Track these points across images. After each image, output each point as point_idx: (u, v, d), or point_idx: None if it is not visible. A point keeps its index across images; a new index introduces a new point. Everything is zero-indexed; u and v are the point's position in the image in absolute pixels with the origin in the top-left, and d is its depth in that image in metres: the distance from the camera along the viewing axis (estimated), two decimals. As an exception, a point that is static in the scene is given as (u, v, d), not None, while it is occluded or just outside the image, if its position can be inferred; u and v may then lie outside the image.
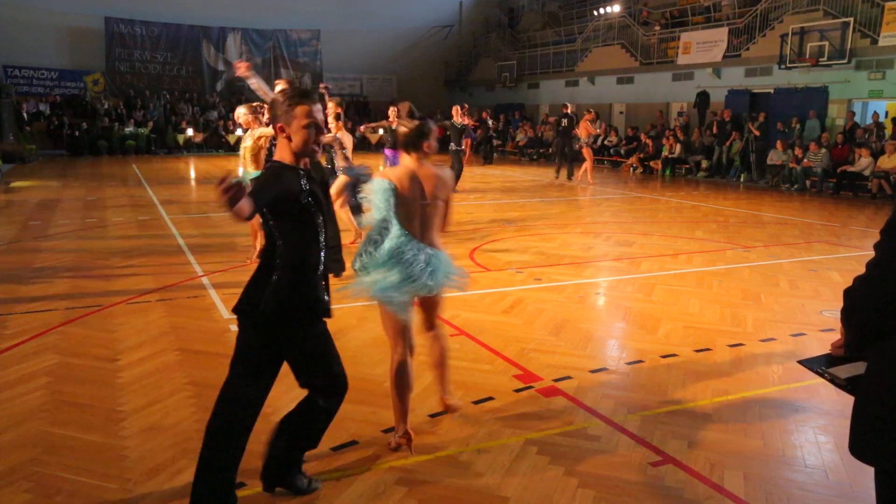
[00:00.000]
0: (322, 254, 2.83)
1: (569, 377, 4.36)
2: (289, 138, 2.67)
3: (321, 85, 6.51)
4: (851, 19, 15.63)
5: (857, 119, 16.08)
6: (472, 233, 9.51)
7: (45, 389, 4.10)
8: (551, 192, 14.96)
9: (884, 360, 1.68)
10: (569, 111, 17.27)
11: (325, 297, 2.93)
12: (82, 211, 11.33)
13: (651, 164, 19.59)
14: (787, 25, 17.05)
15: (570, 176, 17.03)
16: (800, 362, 2.05)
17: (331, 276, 3.18)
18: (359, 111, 30.10)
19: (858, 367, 1.80)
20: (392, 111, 15.14)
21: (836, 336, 1.95)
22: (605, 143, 21.48)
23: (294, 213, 2.69)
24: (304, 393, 3.04)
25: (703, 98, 19.87)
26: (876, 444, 1.68)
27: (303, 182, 2.71)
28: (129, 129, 25.12)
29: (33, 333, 5.10)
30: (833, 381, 1.88)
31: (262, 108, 7.05)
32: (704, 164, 18.27)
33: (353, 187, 5.32)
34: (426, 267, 3.30)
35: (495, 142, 26.89)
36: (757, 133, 16.92)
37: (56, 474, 3.16)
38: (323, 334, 3.01)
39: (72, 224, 10.01)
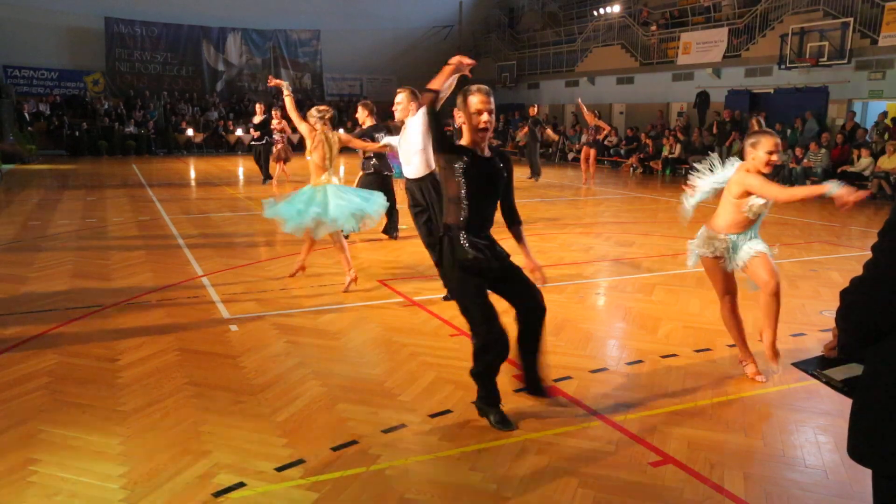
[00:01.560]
0: (463, 218, 3.45)
1: (569, 377, 4.37)
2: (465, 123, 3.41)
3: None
4: (851, 19, 15.63)
5: (857, 119, 16.08)
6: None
7: (45, 389, 4.10)
8: (551, 192, 14.96)
9: (881, 362, 1.68)
10: (534, 113, 17.64)
11: (468, 254, 3.48)
12: (82, 211, 11.34)
13: (651, 164, 19.60)
14: (787, 25, 17.06)
15: (537, 175, 17.34)
16: (794, 364, 2.05)
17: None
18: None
19: (854, 369, 1.79)
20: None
21: (831, 336, 1.95)
22: (605, 143, 21.47)
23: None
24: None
25: (703, 98, 19.87)
26: (875, 447, 1.68)
27: (459, 163, 3.43)
28: (130, 129, 25.13)
29: (33, 333, 5.10)
30: (829, 383, 1.88)
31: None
32: (704, 164, 18.25)
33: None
34: None
35: (494, 142, 26.78)
36: (757, 133, 16.91)
37: (56, 474, 3.16)
38: (507, 270, 3.69)
39: (72, 224, 10.01)
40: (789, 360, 4.65)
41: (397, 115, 6.26)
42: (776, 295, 4.25)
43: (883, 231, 1.68)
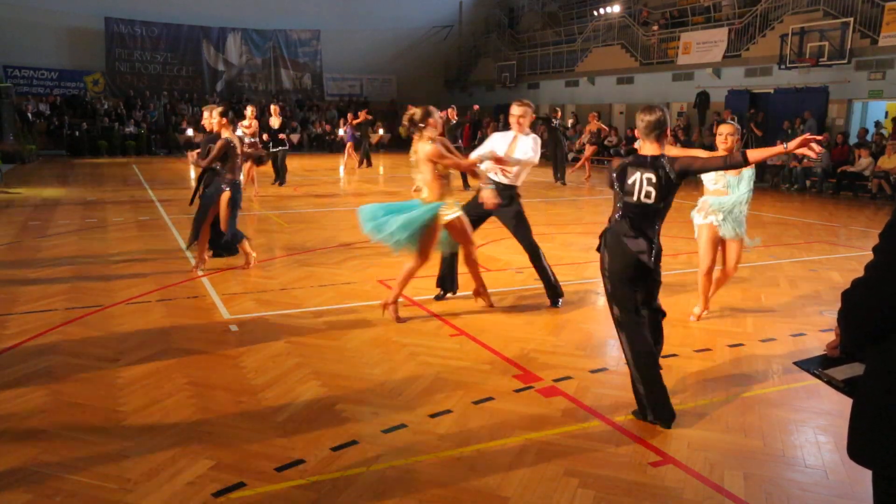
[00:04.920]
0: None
1: (569, 377, 4.37)
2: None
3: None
4: (851, 19, 15.63)
5: (856, 119, 16.09)
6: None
7: (45, 389, 4.10)
8: (551, 192, 14.96)
9: (882, 363, 1.68)
10: (558, 116, 17.05)
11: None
12: (82, 211, 11.34)
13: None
14: (787, 25, 17.06)
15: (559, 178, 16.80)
16: (796, 363, 2.05)
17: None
18: (358, 112, 30.08)
19: (855, 369, 1.80)
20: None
21: (833, 336, 1.95)
22: (606, 143, 21.47)
23: None
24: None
25: (703, 98, 19.87)
26: (875, 448, 1.68)
27: None
28: (130, 129, 25.14)
29: (33, 333, 5.10)
30: (830, 382, 1.88)
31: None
32: (704, 164, 18.26)
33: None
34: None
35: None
36: (759, 133, 16.91)
37: (56, 474, 3.16)
38: None
39: (72, 224, 10.01)
40: (790, 360, 4.66)
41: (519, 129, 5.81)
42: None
43: (884, 233, 1.68)
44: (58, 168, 19.57)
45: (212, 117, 7.17)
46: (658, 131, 3.72)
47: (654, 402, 3.71)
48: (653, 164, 3.72)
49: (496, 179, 5.78)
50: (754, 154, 3.71)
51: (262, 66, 31.12)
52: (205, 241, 7.11)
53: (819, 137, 3.78)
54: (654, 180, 3.70)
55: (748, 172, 5.39)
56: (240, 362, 4.57)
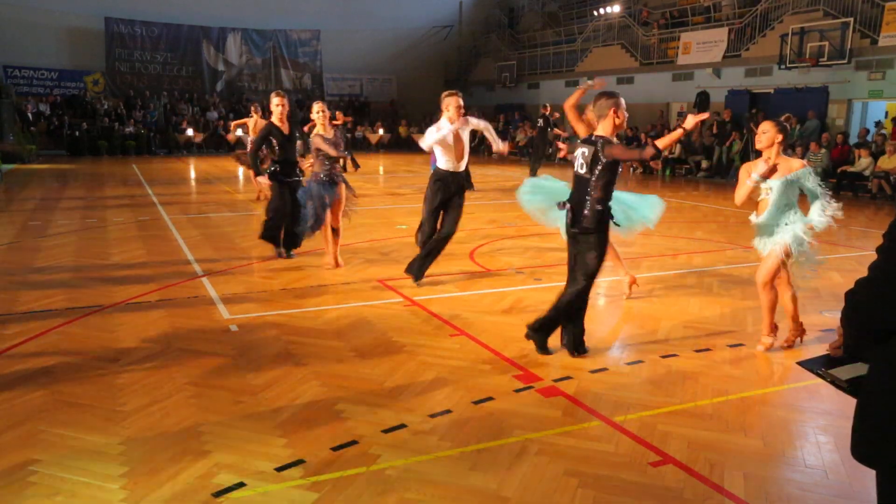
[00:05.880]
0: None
1: (569, 377, 4.37)
2: (614, 122, 4.43)
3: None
4: (851, 19, 15.64)
5: (856, 119, 16.09)
6: (472, 233, 9.51)
7: (45, 389, 4.09)
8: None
9: (886, 362, 1.67)
10: (546, 112, 17.17)
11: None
12: (82, 211, 11.34)
13: (651, 163, 19.61)
14: (787, 25, 17.06)
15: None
16: (799, 363, 2.05)
17: None
18: (358, 112, 30.11)
19: (859, 369, 1.79)
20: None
21: (836, 336, 1.95)
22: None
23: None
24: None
25: (703, 98, 19.87)
26: (879, 448, 1.68)
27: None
28: (130, 129, 25.16)
29: (33, 333, 5.10)
30: (834, 382, 1.88)
31: None
32: (704, 164, 18.29)
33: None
34: None
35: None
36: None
37: (56, 474, 3.16)
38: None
39: (72, 224, 10.01)
40: (791, 360, 4.67)
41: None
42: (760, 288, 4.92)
43: (887, 233, 1.68)
44: (58, 170, 19.56)
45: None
46: (602, 114, 4.47)
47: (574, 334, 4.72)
48: (593, 141, 4.46)
49: (450, 169, 6.38)
50: (661, 141, 4.60)
51: (262, 66, 31.13)
52: (329, 233, 7.17)
53: (704, 116, 4.79)
54: (586, 154, 4.45)
55: (777, 182, 4.93)
56: (240, 362, 4.57)
